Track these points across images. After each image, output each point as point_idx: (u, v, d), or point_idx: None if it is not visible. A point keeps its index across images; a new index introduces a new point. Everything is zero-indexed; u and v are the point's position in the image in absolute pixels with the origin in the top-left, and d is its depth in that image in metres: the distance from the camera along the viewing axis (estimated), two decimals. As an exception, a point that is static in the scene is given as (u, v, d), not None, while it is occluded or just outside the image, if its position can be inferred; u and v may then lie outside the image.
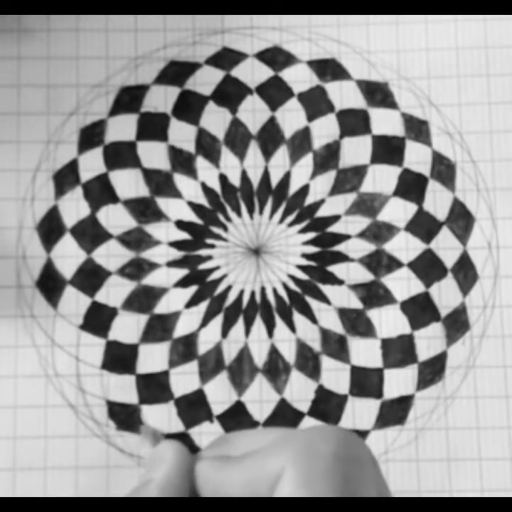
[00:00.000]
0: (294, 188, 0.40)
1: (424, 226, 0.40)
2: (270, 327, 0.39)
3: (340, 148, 0.41)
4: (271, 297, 0.39)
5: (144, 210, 0.40)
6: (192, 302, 0.39)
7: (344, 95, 0.41)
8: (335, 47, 0.41)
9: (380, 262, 0.40)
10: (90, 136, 0.40)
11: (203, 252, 0.40)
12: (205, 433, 0.38)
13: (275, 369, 0.39)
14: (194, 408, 0.38)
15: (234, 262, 0.40)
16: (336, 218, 0.40)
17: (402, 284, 0.39)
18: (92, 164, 0.40)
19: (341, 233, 0.40)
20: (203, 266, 0.40)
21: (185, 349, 0.39)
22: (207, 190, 0.40)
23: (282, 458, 0.25)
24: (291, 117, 0.41)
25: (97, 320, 0.39)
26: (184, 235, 0.40)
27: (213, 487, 0.27)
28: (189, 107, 0.41)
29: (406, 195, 0.40)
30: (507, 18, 0.41)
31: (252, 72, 0.41)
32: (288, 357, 0.39)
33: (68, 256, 0.39)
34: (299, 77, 0.41)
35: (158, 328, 0.39)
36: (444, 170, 0.40)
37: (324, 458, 0.25)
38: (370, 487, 0.25)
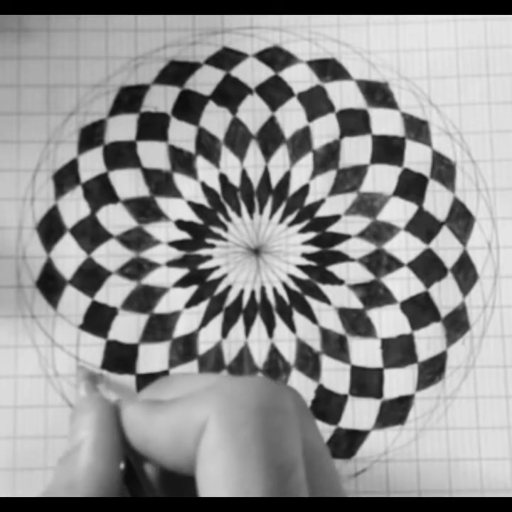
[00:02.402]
0: (294, 187, 0.40)
1: (424, 226, 0.40)
2: (270, 327, 0.39)
3: (340, 148, 0.41)
4: (271, 297, 0.39)
5: (144, 210, 0.40)
6: (192, 302, 0.39)
7: (344, 95, 0.41)
8: (335, 47, 0.41)
9: (380, 262, 0.40)
10: (90, 136, 0.40)
11: (203, 251, 0.40)
12: (205, 433, 0.38)
13: (275, 369, 0.39)
14: (194, 408, 0.38)
15: (234, 261, 0.40)
16: (335, 218, 0.40)
17: (402, 284, 0.40)
18: (92, 164, 0.40)
19: (341, 233, 0.40)
20: (203, 266, 0.40)
21: (185, 349, 0.39)
22: (207, 190, 0.40)
23: (207, 407, 0.26)
24: (291, 117, 0.41)
25: (97, 320, 0.39)
26: (184, 235, 0.40)
27: (141, 433, 0.28)
28: (189, 107, 0.41)
29: (406, 195, 0.40)
30: (507, 18, 0.41)
31: (252, 72, 0.41)
32: (288, 357, 0.39)
33: (68, 256, 0.39)
34: (299, 77, 0.41)
35: (158, 328, 0.39)
36: (444, 170, 0.40)
37: (247, 408, 0.25)
38: (293, 436, 0.26)
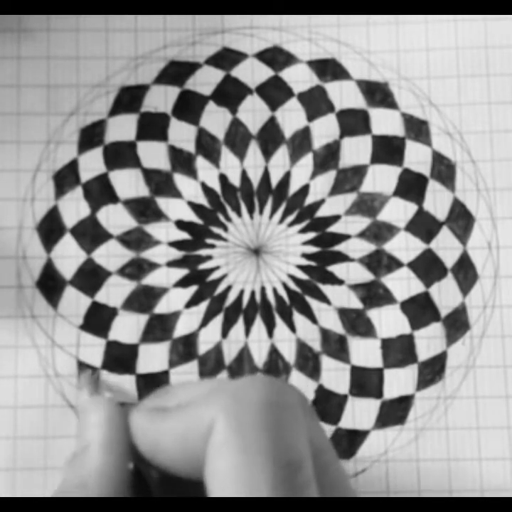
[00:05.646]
0: (294, 188, 0.40)
1: (424, 226, 0.40)
2: (270, 327, 0.39)
3: (340, 148, 0.41)
4: (271, 297, 0.39)
5: (144, 210, 0.40)
6: (192, 302, 0.39)
7: (344, 95, 0.41)
8: (335, 47, 0.41)
9: (380, 262, 0.40)
10: (90, 136, 0.40)
11: (203, 252, 0.40)
12: (205, 433, 0.38)
13: (275, 369, 0.39)
14: (194, 408, 0.38)
15: (234, 262, 0.40)
16: (335, 218, 0.40)
17: (402, 284, 0.40)
18: (92, 164, 0.40)
19: (341, 233, 0.40)
20: (203, 266, 0.40)
21: (185, 349, 0.39)
22: (207, 190, 0.40)
23: (214, 407, 0.26)
24: (291, 117, 0.41)
25: (97, 320, 0.39)
26: (184, 235, 0.40)
27: (148, 438, 0.28)
28: (189, 107, 0.41)
29: (406, 195, 0.40)
30: (507, 18, 0.41)
31: (252, 72, 0.41)
32: (288, 357, 0.39)
33: (68, 256, 0.39)
34: (299, 77, 0.41)
35: (158, 328, 0.39)
36: (444, 170, 0.40)
37: (254, 405, 0.26)
38: (301, 433, 0.26)
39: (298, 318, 0.39)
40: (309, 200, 0.40)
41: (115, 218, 0.40)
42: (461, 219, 0.40)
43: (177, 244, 0.40)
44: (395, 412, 0.38)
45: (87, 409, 0.29)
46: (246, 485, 0.24)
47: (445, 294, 0.39)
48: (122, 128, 0.40)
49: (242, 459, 0.24)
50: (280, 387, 0.27)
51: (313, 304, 0.39)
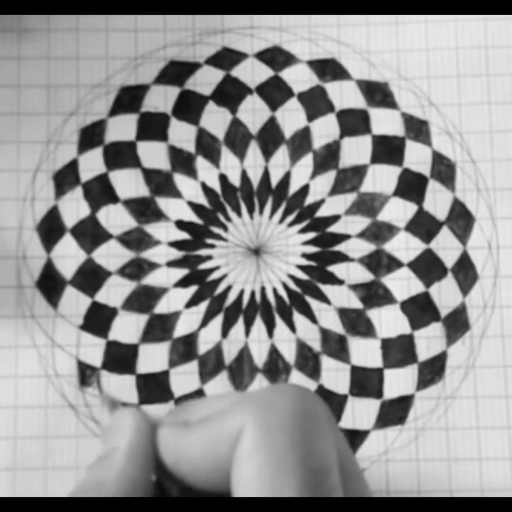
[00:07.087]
0: (294, 188, 0.40)
1: (424, 226, 0.40)
2: (270, 327, 0.39)
3: (340, 148, 0.41)
4: (271, 297, 0.39)
5: (144, 210, 0.40)
6: (192, 302, 0.39)
7: (344, 95, 0.41)
8: (335, 47, 0.41)
9: (380, 262, 0.40)
10: (90, 136, 0.40)
11: (203, 252, 0.40)
12: (205, 433, 0.38)
13: (275, 369, 0.39)
14: (194, 408, 0.38)
15: (234, 262, 0.40)
16: (335, 218, 0.40)
17: (402, 284, 0.40)
18: (92, 164, 0.40)
19: (341, 233, 0.40)
20: (203, 266, 0.40)
21: (185, 349, 0.39)
22: (207, 190, 0.40)
23: (242, 416, 0.26)
24: (291, 117, 0.41)
25: (97, 320, 0.39)
26: (184, 235, 0.40)
27: (174, 452, 0.28)
28: (189, 107, 0.41)
29: (406, 195, 0.40)
30: (507, 18, 0.41)
31: (252, 72, 0.41)
32: (288, 357, 0.39)
33: (68, 256, 0.39)
34: (299, 77, 0.41)
35: (158, 328, 0.39)
36: (444, 170, 0.40)
37: (282, 413, 0.26)
38: (328, 440, 0.26)
39: (298, 318, 0.39)
40: (309, 200, 0.40)
41: (115, 218, 0.40)
42: (461, 219, 0.40)
43: (177, 244, 0.40)
44: (395, 412, 0.38)
45: (117, 417, 0.29)
46: (271, 492, 0.24)
47: (445, 294, 0.39)
48: (122, 128, 0.40)
49: (270, 464, 0.24)
50: (309, 396, 0.27)
51: (313, 304, 0.39)
